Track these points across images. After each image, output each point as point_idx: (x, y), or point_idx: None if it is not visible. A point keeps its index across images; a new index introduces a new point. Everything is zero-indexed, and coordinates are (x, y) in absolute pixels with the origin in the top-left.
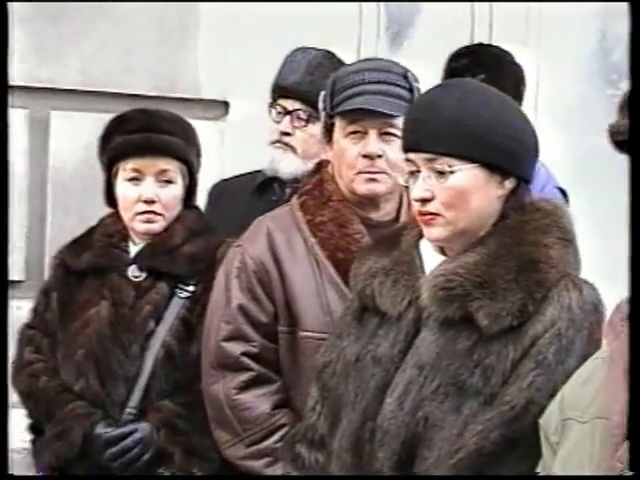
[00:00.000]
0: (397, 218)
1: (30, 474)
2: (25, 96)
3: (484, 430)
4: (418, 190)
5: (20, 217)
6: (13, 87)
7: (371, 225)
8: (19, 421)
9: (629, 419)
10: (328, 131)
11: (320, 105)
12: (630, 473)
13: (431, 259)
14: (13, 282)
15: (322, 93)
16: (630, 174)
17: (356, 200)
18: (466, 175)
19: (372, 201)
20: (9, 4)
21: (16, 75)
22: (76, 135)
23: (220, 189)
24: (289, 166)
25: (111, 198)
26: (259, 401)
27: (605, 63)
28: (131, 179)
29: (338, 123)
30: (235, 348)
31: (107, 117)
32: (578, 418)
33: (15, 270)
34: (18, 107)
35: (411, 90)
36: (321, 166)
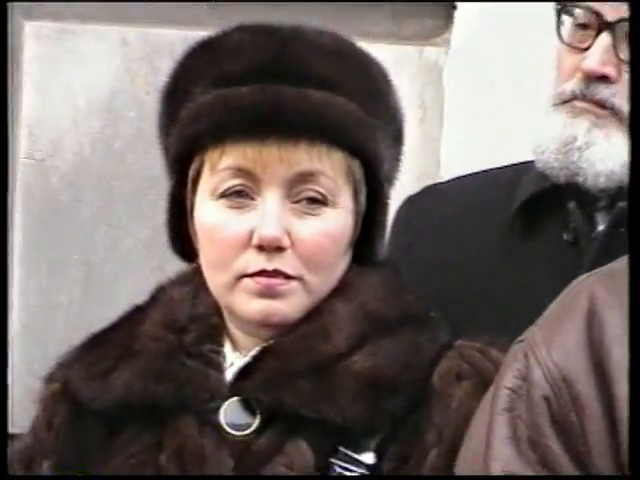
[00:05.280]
0: None
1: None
2: None
3: None
4: None
5: None
6: None
7: None
8: None
9: (629, 419)
10: None
11: None
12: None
13: None
14: None
15: None
16: (630, 174)
17: None
18: None
19: None
20: (9, 4)
21: None
22: (82, 81)
23: (427, 209)
24: (609, 158)
25: (184, 236)
26: None
27: None
28: (231, 191)
29: None
30: None
31: (157, 37)
32: None
33: None
34: None
35: None
36: None
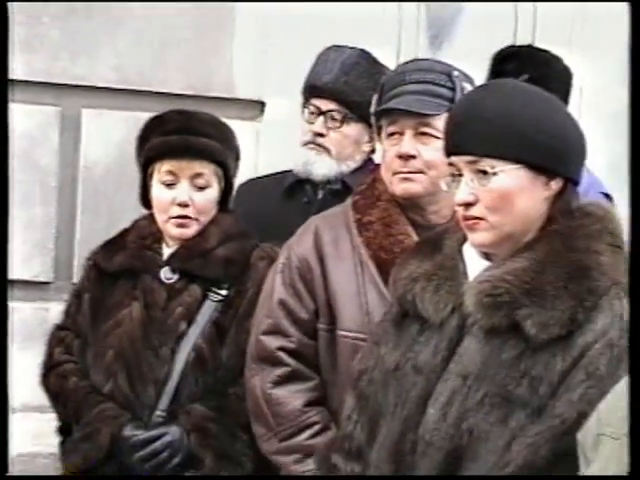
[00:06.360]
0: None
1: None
2: (57, 93)
3: (534, 444)
4: (461, 194)
5: (49, 217)
6: (45, 84)
7: (422, 227)
8: (46, 425)
9: (630, 419)
10: (379, 135)
11: (372, 109)
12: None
13: (475, 264)
14: (41, 283)
15: (374, 96)
16: (630, 174)
17: (402, 202)
18: (510, 176)
19: (414, 202)
20: (9, 4)
21: (48, 72)
22: (108, 134)
23: (248, 189)
24: (322, 168)
25: (146, 199)
26: (293, 397)
27: None
28: (166, 182)
29: (383, 125)
30: (273, 342)
31: (140, 116)
32: (611, 434)
33: (43, 271)
34: (49, 104)
35: (454, 89)
36: (378, 166)
